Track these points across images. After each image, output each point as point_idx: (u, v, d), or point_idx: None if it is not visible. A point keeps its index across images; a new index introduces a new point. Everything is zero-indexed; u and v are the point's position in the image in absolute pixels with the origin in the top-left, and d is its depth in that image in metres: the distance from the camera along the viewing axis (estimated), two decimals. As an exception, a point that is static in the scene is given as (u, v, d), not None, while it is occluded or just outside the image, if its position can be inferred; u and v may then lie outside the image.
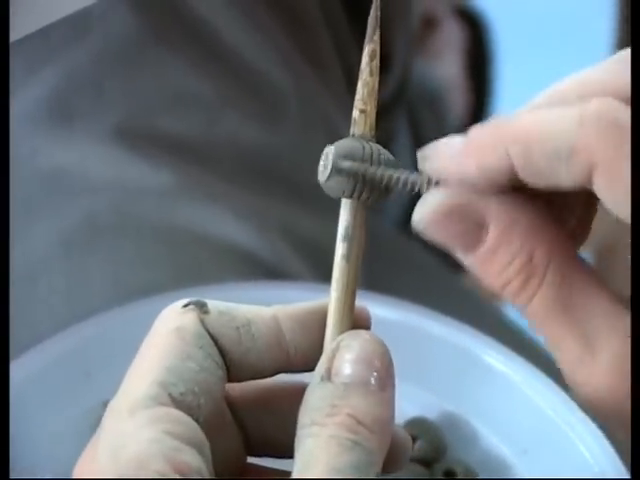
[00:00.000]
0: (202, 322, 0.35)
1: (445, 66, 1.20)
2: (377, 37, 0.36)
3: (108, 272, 0.56)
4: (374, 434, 0.33)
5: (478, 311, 0.69)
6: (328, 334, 0.36)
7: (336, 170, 0.35)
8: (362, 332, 0.35)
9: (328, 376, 0.34)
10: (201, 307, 0.35)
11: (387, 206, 0.97)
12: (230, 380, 0.35)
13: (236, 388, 0.37)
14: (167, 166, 0.58)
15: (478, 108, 1.21)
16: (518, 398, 0.49)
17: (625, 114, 0.31)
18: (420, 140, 1.10)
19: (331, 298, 0.36)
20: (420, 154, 0.34)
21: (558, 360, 0.35)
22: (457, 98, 1.20)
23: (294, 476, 0.32)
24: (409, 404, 0.51)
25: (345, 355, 0.34)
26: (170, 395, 0.33)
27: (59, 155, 0.58)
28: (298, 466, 0.32)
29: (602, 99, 0.32)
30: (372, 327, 0.37)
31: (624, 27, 1.26)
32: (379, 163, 0.35)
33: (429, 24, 1.20)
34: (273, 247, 0.59)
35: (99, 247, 0.56)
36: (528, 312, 0.34)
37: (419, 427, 0.50)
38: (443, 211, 0.34)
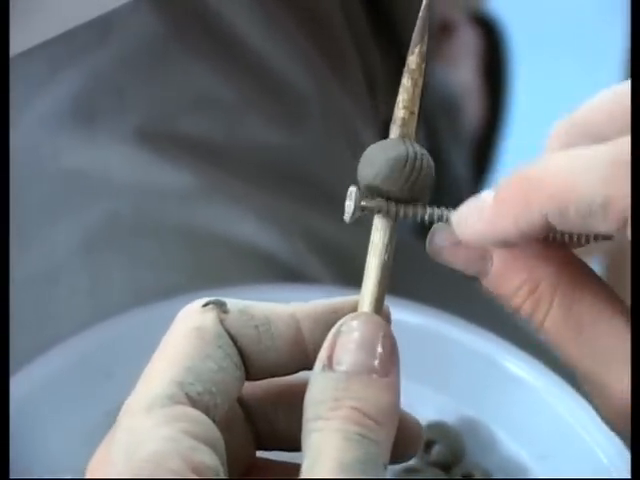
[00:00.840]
0: (222, 322, 0.35)
1: (461, 72, 1.20)
2: (427, 38, 0.36)
3: (129, 273, 0.56)
4: (380, 424, 0.32)
5: (498, 317, 0.68)
6: None
7: (360, 208, 0.35)
8: (362, 314, 0.35)
9: (330, 364, 0.33)
10: (221, 306, 0.35)
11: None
12: (248, 379, 0.35)
13: (247, 384, 0.36)
14: (188, 168, 0.58)
15: (493, 114, 1.21)
16: (537, 404, 0.50)
17: None
18: (436, 145, 1.10)
19: (366, 300, 0.35)
20: (454, 219, 0.35)
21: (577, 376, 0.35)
22: (473, 104, 1.20)
23: (303, 472, 0.32)
24: (428, 408, 0.51)
25: (346, 341, 0.34)
26: (187, 394, 0.32)
27: (81, 156, 0.58)
28: (307, 462, 0.32)
29: (624, 140, 0.32)
30: (393, 331, 0.37)
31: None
32: (423, 168, 0.35)
33: (445, 30, 1.20)
34: (294, 249, 0.59)
35: (120, 248, 0.56)
36: (543, 332, 0.35)
37: (438, 431, 0.50)
38: (452, 241, 0.35)
